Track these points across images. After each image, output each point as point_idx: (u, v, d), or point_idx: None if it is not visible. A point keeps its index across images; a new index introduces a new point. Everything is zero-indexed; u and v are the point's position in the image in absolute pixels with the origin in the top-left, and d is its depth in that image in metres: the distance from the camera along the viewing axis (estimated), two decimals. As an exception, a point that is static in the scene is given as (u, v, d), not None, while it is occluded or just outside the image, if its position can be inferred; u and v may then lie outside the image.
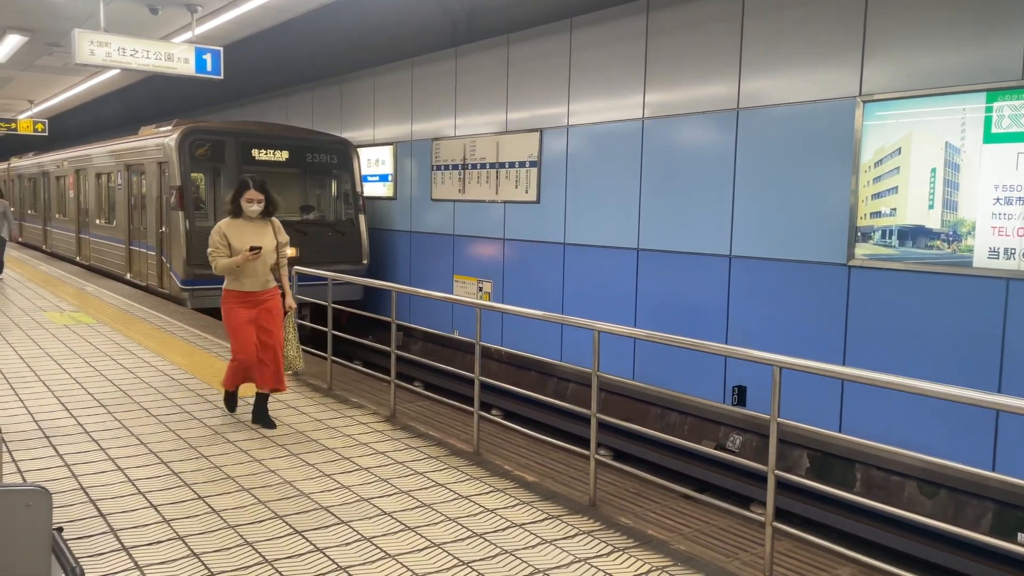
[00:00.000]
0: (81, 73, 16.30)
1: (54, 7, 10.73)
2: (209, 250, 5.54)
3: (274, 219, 5.80)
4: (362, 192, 13.33)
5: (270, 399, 5.95)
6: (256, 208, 5.62)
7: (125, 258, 14.79)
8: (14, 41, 13.12)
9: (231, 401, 6.02)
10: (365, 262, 13.14)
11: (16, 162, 26.40)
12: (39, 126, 21.50)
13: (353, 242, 13.08)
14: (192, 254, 11.68)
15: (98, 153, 16.59)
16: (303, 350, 6.65)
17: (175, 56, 9.97)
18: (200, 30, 10.97)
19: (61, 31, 11.94)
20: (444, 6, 11.38)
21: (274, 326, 5.68)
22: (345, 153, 13.29)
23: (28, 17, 11.58)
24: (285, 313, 5.86)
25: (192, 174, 12.11)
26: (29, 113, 23.12)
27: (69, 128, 26.67)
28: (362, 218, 13.20)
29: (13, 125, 21.45)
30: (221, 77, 10.36)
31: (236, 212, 5.64)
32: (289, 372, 5.97)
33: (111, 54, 9.57)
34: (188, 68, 10.06)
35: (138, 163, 13.74)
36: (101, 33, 9.63)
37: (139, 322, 10.03)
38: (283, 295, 5.84)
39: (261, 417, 5.73)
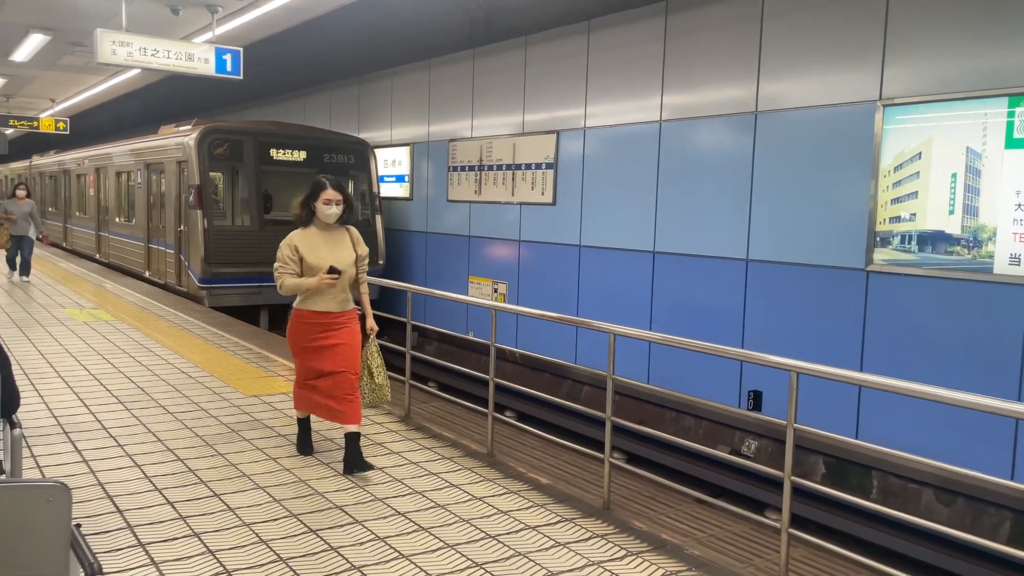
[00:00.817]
0: (103, 72, 16.46)
1: (77, 7, 10.85)
2: (276, 265, 4.73)
3: (351, 228, 4.99)
4: (379, 192, 13.38)
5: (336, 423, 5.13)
6: (335, 211, 4.77)
7: (144, 256, 14.87)
8: (37, 40, 13.27)
9: (304, 436, 5.16)
10: (381, 262, 13.15)
11: (37, 160, 26.66)
12: (60, 124, 21.72)
13: (369, 243, 13.09)
14: (210, 252, 11.72)
15: (118, 152, 16.70)
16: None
17: (195, 56, 10.05)
18: (220, 30, 11.05)
19: (84, 31, 12.07)
20: (462, 7, 11.40)
21: (351, 354, 4.85)
22: (362, 153, 13.35)
23: (51, 17, 11.71)
24: (366, 337, 5.07)
25: (211, 173, 12.13)
26: (51, 112, 23.37)
27: (90, 127, 26.91)
28: (378, 218, 13.24)
29: (35, 123, 21.68)
30: (241, 77, 10.43)
31: (308, 220, 4.83)
32: (369, 403, 5.12)
33: (132, 54, 9.66)
34: (208, 68, 10.13)
35: (158, 162, 13.80)
36: (123, 33, 9.73)
37: (157, 319, 10.11)
38: (363, 316, 5.09)
39: (354, 462, 4.77)
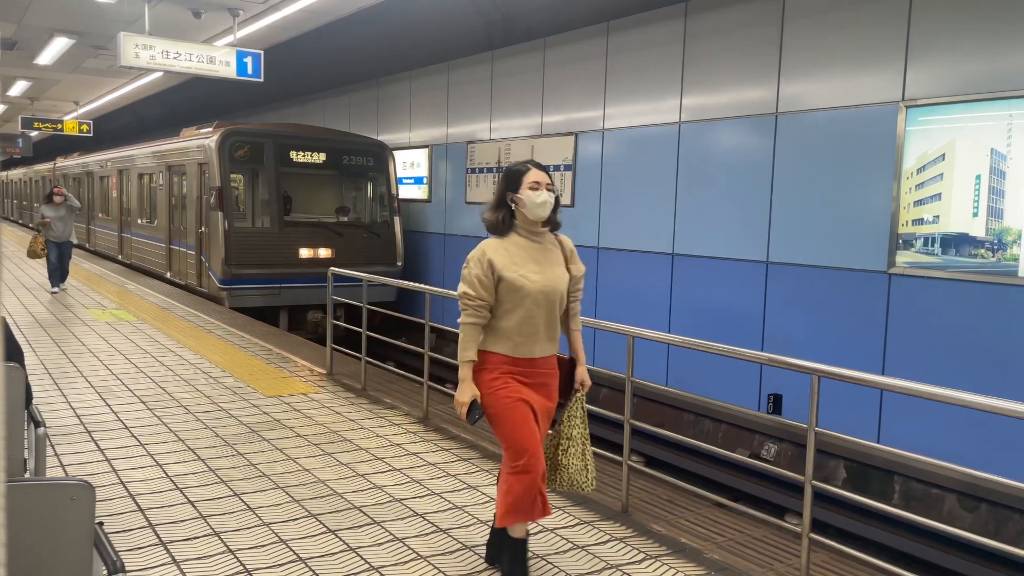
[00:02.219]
0: (126, 75, 16.63)
1: (101, 11, 10.97)
2: (460, 290, 3.33)
3: (563, 237, 3.58)
4: (397, 194, 13.37)
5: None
6: (546, 199, 3.34)
7: (165, 257, 14.95)
8: (61, 44, 13.44)
9: (518, 553, 3.44)
10: (399, 264, 13.16)
11: (62, 162, 26.86)
12: (84, 127, 21.97)
13: (388, 244, 13.12)
14: (231, 254, 11.73)
15: (141, 154, 16.81)
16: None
17: (217, 59, 10.14)
18: (241, 33, 11.14)
19: (107, 34, 12.22)
20: (481, 9, 11.42)
21: (545, 417, 3.44)
22: (381, 156, 13.35)
23: (75, 20, 11.86)
24: (571, 393, 3.56)
25: (231, 175, 12.18)
26: (75, 114, 23.66)
27: (113, 129, 27.23)
28: (397, 220, 13.26)
29: (59, 126, 21.95)
30: (261, 80, 10.51)
31: (507, 225, 3.40)
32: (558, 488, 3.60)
33: (155, 57, 9.76)
34: (229, 71, 10.22)
35: (179, 164, 13.87)
36: (146, 36, 9.83)
37: (178, 320, 10.20)
38: (571, 364, 3.57)
39: (515, 567, 3.43)
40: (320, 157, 12.85)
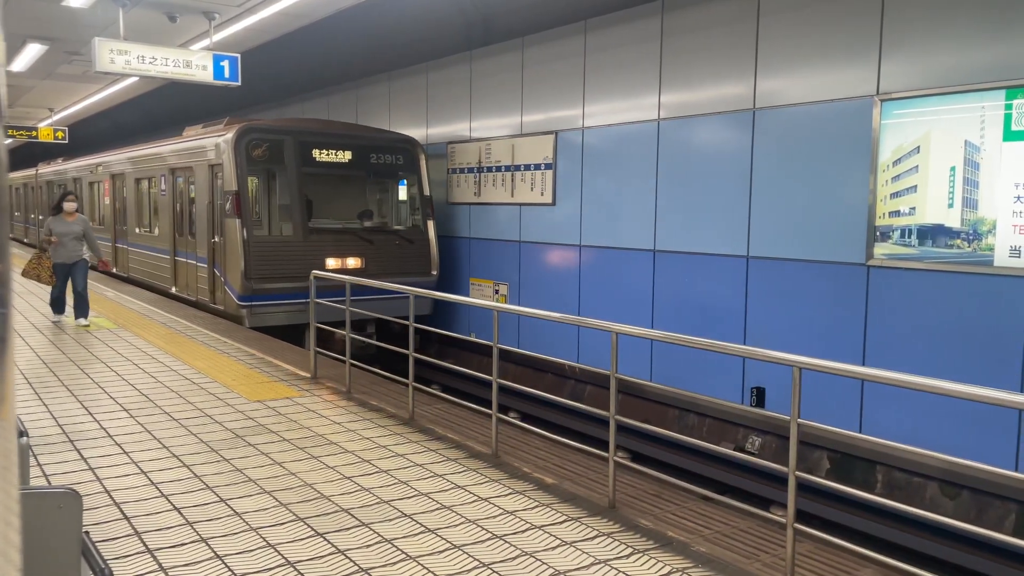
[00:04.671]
0: (101, 81, 16.49)
1: (74, 16, 10.87)
2: None
3: None
4: (431, 196, 12.10)
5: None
6: None
7: (170, 270, 13.62)
8: (34, 50, 13.30)
9: None
10: (435, 273, 11.87)
11: (44, 168, 25.47)
12: (59, 134, 21.76)
13: (421, 251, 11.84)
14: (251, 266, 10.42)
15: (137, 157, 15.48)
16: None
17: (193, 63, 10.07)
18: (218, 37, 11.08)
19: (81, 40, 12.10)
20: (459, 9, 11.42)
21: None
22: (411, 153, 12.11)
23: (48, 26, 11.74)
24: None
25: (248, 177, 10.95)
26: (49, 121, 23.41)
27: (89, 135, 26.94)
28: (431, 224, 11.97)
29: (34, 133, 21.73)
30: (239, 84, 10.45)
31: None
32: None
33: (131, 62, 9.68)
34: (206, 75, 10.15)
35: (185, 166, 12.65)
36: (121, 41, 9.75)
37: (159, 327, 10.12)
38: None
39: None
40: (345, 156, 11.51)
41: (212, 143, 11.33)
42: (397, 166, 12.05)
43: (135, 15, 10.33)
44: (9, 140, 23.00)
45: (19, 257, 20.27)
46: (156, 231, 14.44)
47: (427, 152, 12.29)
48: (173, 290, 13.34)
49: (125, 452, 5.16)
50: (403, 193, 12.42)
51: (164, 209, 13.76)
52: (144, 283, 14.92)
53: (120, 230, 16.87)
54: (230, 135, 10.73)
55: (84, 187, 20.01)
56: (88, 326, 9.95)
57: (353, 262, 11.15)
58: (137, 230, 15.63)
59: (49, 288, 10.33)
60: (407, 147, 12.09)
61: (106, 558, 3.52)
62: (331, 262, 10.94)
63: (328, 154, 11.37)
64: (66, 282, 10.07)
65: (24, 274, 10.07)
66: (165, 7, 10.25)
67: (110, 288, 14.32)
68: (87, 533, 1.99)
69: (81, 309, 10.03)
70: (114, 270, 16.17)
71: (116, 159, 17.06)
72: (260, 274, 10.45)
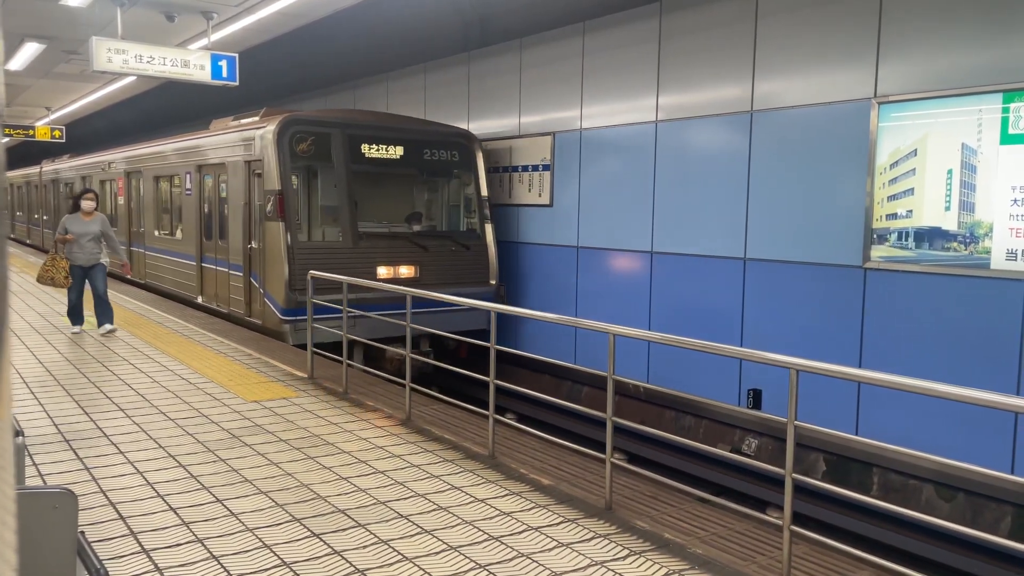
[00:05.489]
0: (98, 80, 16.47)
1: (72, 15, 10.86)
2: None
3: None
4: (488, 196, 10.99)
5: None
6: None
7: (196, 278, 12.33)
8: (32, 49, 13.28)
9: None
10: (493, 283, 10.79)
11: (49, 166, 24.16)
12: (56, 133, 21.74)
13: (479, 258, 10.76)
14: (296, 276, 9.22)
15: (157, 152, 14.24)
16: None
17: (191, 63, 10.06)
18: (216, 36, 11.07)
19: (78, 39, 12.09)
20: (457, 10, 11.42)
21: None
22: (468, 149, 10.98)
23: (46, 25, 11.72)
24: None
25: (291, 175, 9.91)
26: (46, 120, 23.38)
27: (86, 134, 26.91)
28: (489, 228, 10.88)
29: (31, 132, 21.69)
30: (236, 83, 10.44)
31: None
32: None
33: (128, 61, 9.67)
34: (204, 74, 10.14)
35: (215, 163, 11.52)
36: (118, 40, 9.73)
37: (155, 326, 10.11)
38: None
39: None
40: (397, 151, 10.39)
41: (249, 137, 10.26)
42: (452, 163, 10.92)
43: (133, 14, 10.32)
44: (6, 139, 22.95)
45: (17, 257, 20.20)
46: (179, 234, 13.26)
47: (484, 147, 11.19)
48: (199, 300, 12.18)
49: (121, 452, 5.15)
50: (458, 193, 11.37)
51: (189, 210, 12.60)
52: (162, 291, 13.71)
53: (135, 233, 15.66)
54: (271, 128, 9.66)
55: (94, 186, 18.41)
56: (115, 330, 9.37)
57: (406, 271, 10.13)
58: (156, 233, 14.41)
59: (65, 293, 9.61)
60: (463, 141, 11.00)
61: (101, 558, 3.51)
62: (382, 271, 9.92)
63: (378, 149, 10.26)
64: (83, 286, 9.27)
65: (39, 279, 9.13)
66: (163, 6, 10.24)
67: (111, 289, 14.26)
68: (83, 533, 1.99)
69: (104, 314, 9.37)
70: (129, 275, 15.16)
71: (132, 155, 15.83)
72: (306, 284, 8.88)
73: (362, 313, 7.50)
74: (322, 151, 9.95)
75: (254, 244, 10.25)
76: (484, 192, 10.88)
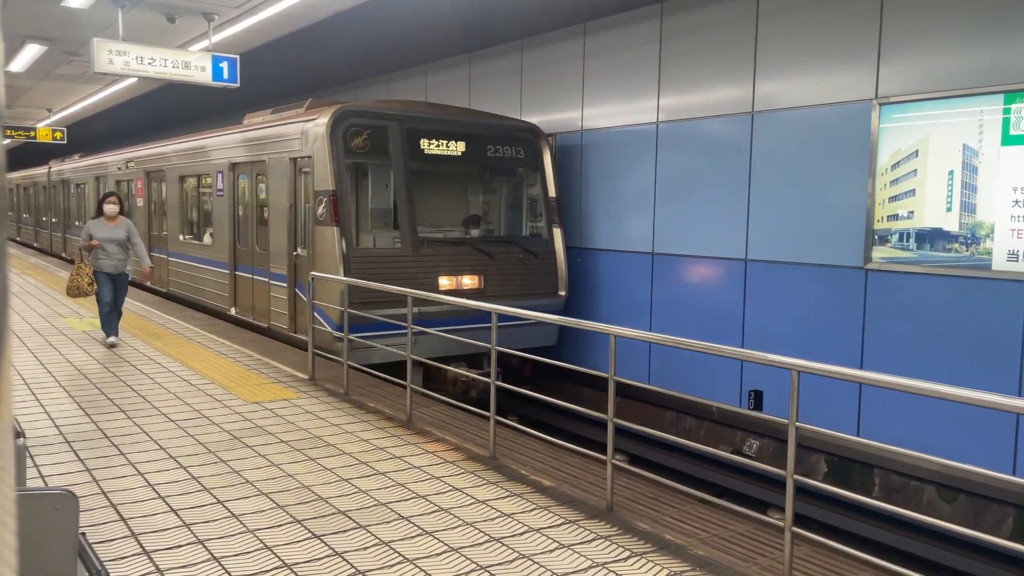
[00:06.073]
0: (99, 81, 16.47)
1: (73, 16, 10.87)
2: None
3: None
4: (557, 197, 9.98)
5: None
6: None
7: (228, 288, 11.28)
8: (33, 51, 13.29)
9: None
10: (563, 293, 9.77)
11: (58, 166, 22.97)
12: (57, 134, 21.74)
13: (547, 266, 9.74)
14: (354, 287, 7.76)
15: (183, 150, 13.20)
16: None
17: (192, 64, 10.07)
18: (217, 38, 11.07)
19: (79, 40, 12.09)
20: (459, 12, 11.43)
21: None
22: (534, 145, 9.93)
23: (47, 27, 11.73)
24: None
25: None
26: (48, 121, 23.40)
27: (88, 136, 26.91)
28: (558, 233, 9.86)
29: (32, 134, 21.71)
30: (237, 85, 10.44)
31: None
32: None
33: (129, 63, 9.68)
34: (205, 76, 10.15)
35: (253, 160, 10.51)
36: (119, 42, 9.74)
37: (156, 327, 10.11)
38: None
39: None
40: (458, 147, 9.34)
41: (296, 131, 9.28)
42: (517, 160, 9.87)
43: (134, 16, 10.33)
44: (7, 141, 22.93)
45: (19, 258, 20.24)
46: (208, 239, 12.22)
47: (552, 143, 10.19)
48: (232, 312, 11.13)
49: (122, 453, 5.15)
50: (521, 193, 10.32)
51: (220, 213, 11.52)
52: (188, 300, 12.68)
53: (156, 237, 14.57)
54: (324, 120, 8.65)
55: (109, 186, 17.34)
56: (117, 344, 8.82)
57: (470, 282, 9.13)
58: (180, 238, 13.32)
59: (91, 300, 9.11)
60: (529, 137, 9.92)
61: (102, 559, 3.51)
62: (444, 281, 8.90)
63: (438, 145, 9.21)
64: (112, 293, 8.73)
65: (68, 293, 8.70)
66: (164, 8, 10.25)
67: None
68: (83, 534, 1.98)
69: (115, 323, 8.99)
70: (149, 283, 14.01)
71: (153, 154, 14.74)
72: (364, 296, 7.94)
73: (423, 330, 6.40)
74: (378, 146, 8.90)
75: (300, 251, 9.28)
76: (552, 192, 9.89)
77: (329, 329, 8.44)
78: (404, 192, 8.99)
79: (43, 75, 15.94)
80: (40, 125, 23.13)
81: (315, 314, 8.09)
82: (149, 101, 19.55)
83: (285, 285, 9.52)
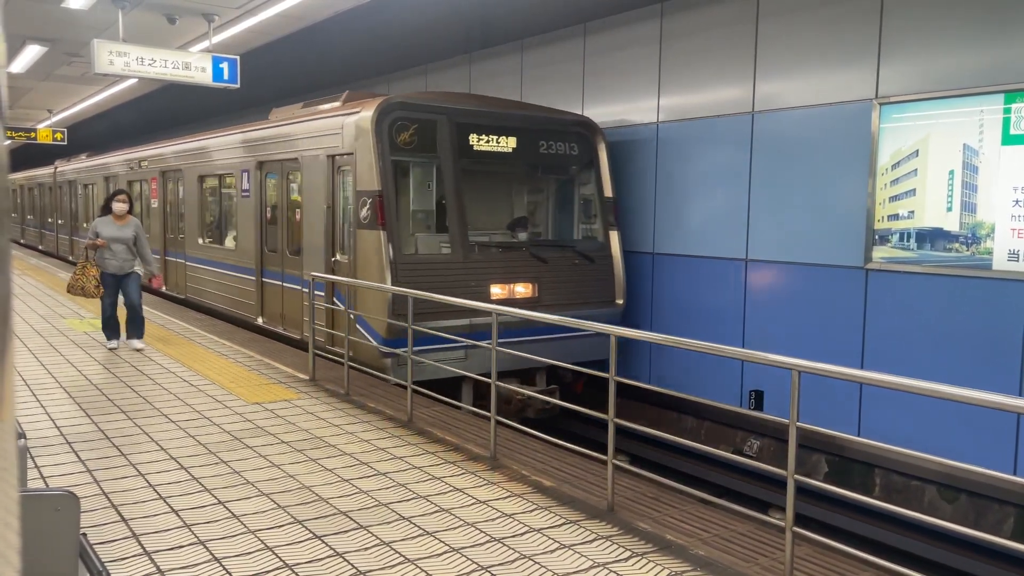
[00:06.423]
0: (100, 82, 16.47)
1: (74, 17, 10.87)
2: None
3: None
4: (614, 197, 9.23)
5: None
6: None
7: (255, 295, 10.55)
8: (33, 51, 13.29)
9: None
10: (620, 302, 9.03)
11: (64, 166, 22.23)
12: (58, 135, 21.75)
13: (604, 273, 9.00)
14: (399, 297, 7.37)
15: (204, 148, 12.46)
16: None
17: (192, 65, 10.07)
18: (217, 39, 11.08)
19: (80, 41, 12.10)
20: (458, 12, 11.43)
21: None
22: (589, 140, 9.20)
23: (47, 28, 11.74)
24: None
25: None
26: (48, 122, 23.41)
27: (88, 136, 26.91)
28: (614, 236, 9.12)
29: (32, 134, 21.71)
30: (238, 86, 10.44)
31: None
32: None
33: (130, 64, 9.68)
34: (205, 77, 10.15)
35: (284, 158, 9.77)
36: (120, 43, 9.75)
37: (157, 328, 10.11)
38: None
39: None
40: (509, 143, 8.63)
41: (334, 125, 8.57)
42: (570, 157, 9.14)
43: (134, 17, 10.34)
44: (8, 141, 22.77)
45: (20, 259, 20.24)
46: (231, 243, 11.49)
47: (608, 138, 9.35)
48: (259, 321, 10.43)
49: (123, 454, 5.15)
50: (575, 193, 9.53)
51: (246, 215, 10.80)
52: (208, 308, 12.02)
53: (173, 240, 13.80)
54: (368, 114, 7.94)
55: (120, 186, 14.90)
56: (142, 349, 8.59)
57: (523, 290, 8.42)
58: (200, 241, 12.60)
59: (96, 303, 8.86)
60: (583, 131, 9.18)
61: (103, 560, 3.52)
62: (496, 290, 8.21)
63: (488, 141, 8.50)
64: (117, 296, 8.50)
65: (69, 290, 8.39)
66: (164, 9, 10.25)
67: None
68: (84, 535, 1.99)
69: (136, 327, 8.64)
70: (164, 288, 13.53)
71: (169, 152, 13.99)
72: (416, 308, 6.77)
73: (502, 349, 5.50)
74: (425, 142, 8.20)
75: (339, 257, 8.58)
76: (608, 192, 9.13)
77: (373, 342, 7.67)
78: (453, 192, 8.26)
79: (43, 76, 15.94)
80: (40, 126, 23.14)
81: (357, 326, 7.69)
82: (150, 102, 19.57)
83: (323, 294, 8.64)
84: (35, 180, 26.99)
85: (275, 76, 15.72)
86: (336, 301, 8.36)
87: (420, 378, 6.98)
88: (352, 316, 7.37)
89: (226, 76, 10.29)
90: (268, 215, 10.40)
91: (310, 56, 14.17)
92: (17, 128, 21.99)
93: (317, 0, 9.67)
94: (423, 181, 8.63)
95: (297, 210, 9.54)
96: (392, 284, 7.51)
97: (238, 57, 10.47)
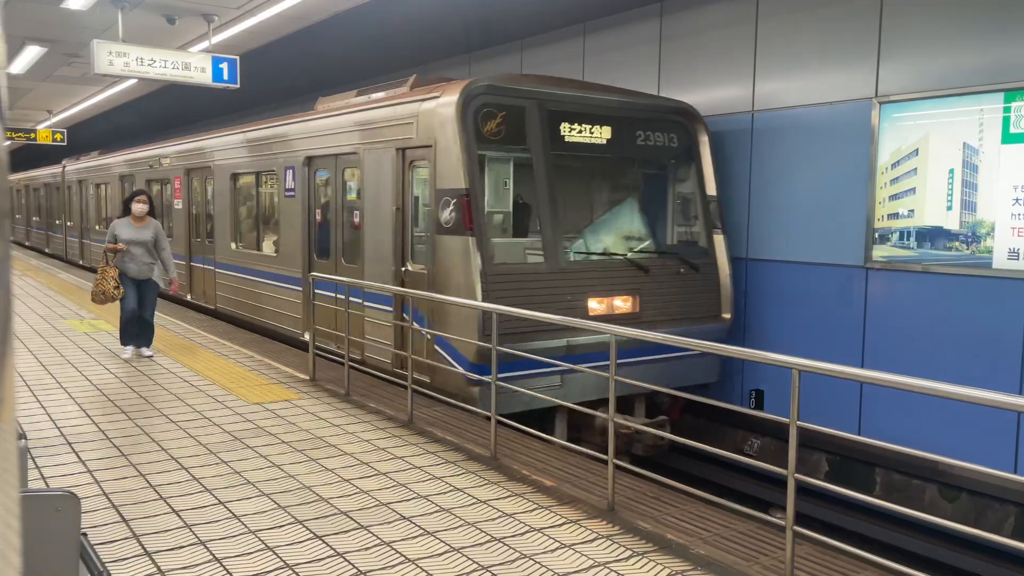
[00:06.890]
0: (99, 83, 16.48)
1: (73, 18, 10.87)
2: None
3: None
4: (719, 195, 8.04)
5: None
6: None
7: (300, 309, 9.36)
8: (33, 52, 13.30)
9: None
10: (727, 316, 7.91)
11: (73, 165, 21.01)
12: (58, 136, 21.76)
13: (708, 283, 7.88)
14: (488, 315, 5.98)
15: (237, 143, 11.28)
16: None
17: (192, 65, 10.07)
18: (217, 39, 11.08)
19: (80, 42, 12.10)
20: (459, 12, 11.42)
21: None
22: (688, 129, 8.07)
23: (47, 28, 11.74)
24: None
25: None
26: (48, 123, 23.42)
27: (88, 137, 26.91)
28: (719, 240, 7.96)
29: (32, 135, 21.72)
30: (237, 86, 10.45)
31: None
32: None
33: (129, 64, 9.69)
34: (205, 77, 10.16)
35: (340, 152, 8.60)
36: (119, 43, 9.75)
37: (157, 329, 10.11)
38: None
39: None
40: (604, 133, 7.50)
41: (406, 113, 7.48)
42: (669, 150, 8.01)
43: (134, 17, 10.34)
44: (8, 142, 22.72)
45: (20, 260, 20.25)
46: (270, 249, 10.39)
47: (710, 128, 8.17)
48: (306, 337, 8.73)
49: (123, 454, 5.15)
50: (675, 192, 8.34)
51: (290, 217, 9.61)
52: (243, 320, 10.90)
53: (200, 245, 12.69)
54: (450, 99, 6.87)
55: (139, 186, 14.73)
56: (151, 356, 8.26)
57: (623, 304, 7.29)
58: (233, 246, 11.44)
59: (104, 309, 8.51)
60: (682, 120, 8.04)
61: (104, 561, 3.52)
62: (594, 304, 7.10)
63: (580, 131, 7.37)
64: (135, 300, 8.05)
65: (93, 299, 8.07)
66: (164, 9, 10.25)
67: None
68: (85, 535, 1.99)
69: (145, 335, 8.29)
70: (189, 297, 12.81)
71: (195, 148, 12.80)
72: (507, 329, 6.04)
73: (571, 368, 5.05)
74: (513, 133, 7.09)
75: (411, 267, 7.46)
76: (712, 190, 7.97)
77: (458, 368, 6.56)
78: (546, 191, 7.13)
79: (43, 77, 15.95)
80: (40, 127, 23.15)
81: (436, 348, 6.86)
82: (150, 102, 19.57)
83: (391, 309, 7.60)
84: (40, 180, 26.43)
85: (277, 76, 15.71)
86: (405, 316, 7.18)
87: (511, 410, 6.08)
88: (428, 336, 6.49)
89: (226, 76, 10.30)
90: (318, 218, 9.27)
91: (310, 56, 14.16)
92: (17, 129, 22.00)
93: (317, 0, 9.67)
94: (508, 178, 7.59)
95: (355, 212, 8.40)
96: (482, 299, 6.43)
97: (238, 57, 10.47)
